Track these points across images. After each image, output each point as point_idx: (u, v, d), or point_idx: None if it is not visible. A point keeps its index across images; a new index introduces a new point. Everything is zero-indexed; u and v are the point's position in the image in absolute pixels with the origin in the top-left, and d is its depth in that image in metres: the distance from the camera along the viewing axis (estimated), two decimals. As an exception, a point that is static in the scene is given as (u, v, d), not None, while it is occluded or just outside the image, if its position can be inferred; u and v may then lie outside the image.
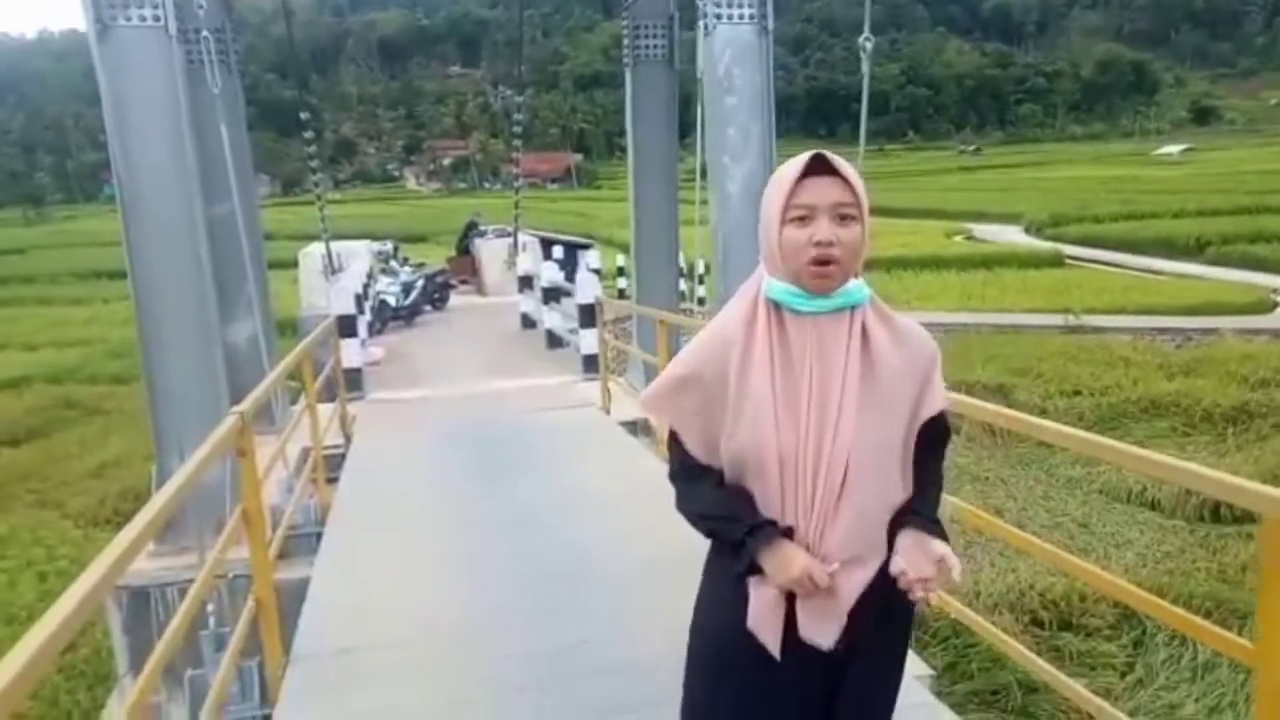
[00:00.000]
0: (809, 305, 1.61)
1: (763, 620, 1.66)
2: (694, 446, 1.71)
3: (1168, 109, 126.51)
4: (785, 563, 1.61)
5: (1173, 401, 12.36)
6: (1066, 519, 9.41)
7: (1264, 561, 1.58)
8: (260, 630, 3.05)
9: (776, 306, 1.64)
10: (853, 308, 1.63)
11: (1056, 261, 26.35)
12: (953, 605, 3.16)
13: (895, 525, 1.67)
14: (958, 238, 34.51)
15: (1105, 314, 18.00)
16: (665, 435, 1.77)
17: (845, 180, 1.60)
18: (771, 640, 1.66)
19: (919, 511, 1.68)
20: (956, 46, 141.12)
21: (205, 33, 5.28)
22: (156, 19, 4.94)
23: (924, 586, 1.62)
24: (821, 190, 1.59)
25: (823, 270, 1.58)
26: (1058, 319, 17.25)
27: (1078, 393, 12.86)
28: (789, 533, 1.63)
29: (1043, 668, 2.55)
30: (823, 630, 1.65)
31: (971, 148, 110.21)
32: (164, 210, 5.13)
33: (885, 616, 1.69)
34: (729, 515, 1.67)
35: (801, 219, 1.60)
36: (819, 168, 1.61)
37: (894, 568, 1.63)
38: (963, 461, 10.78)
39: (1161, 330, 16.89)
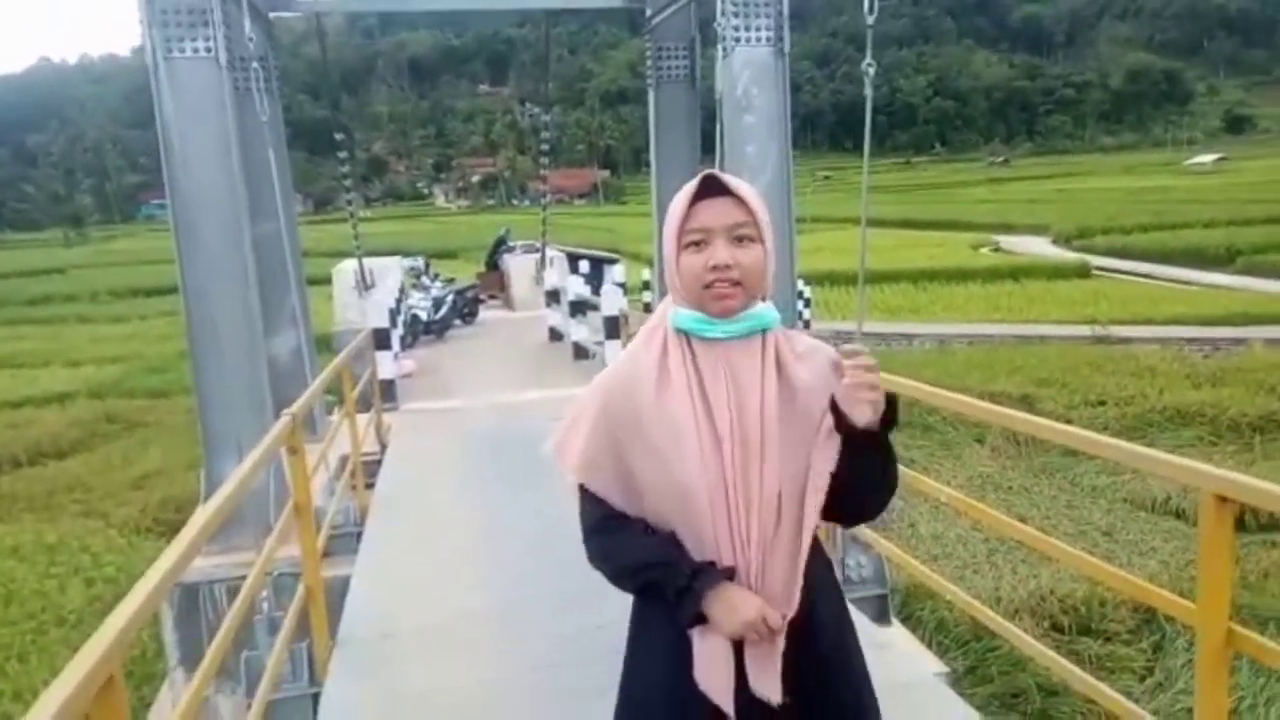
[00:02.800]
0: (716, 330, 1.54)
1: (712, 674, 1.53)
2: (612, 494, 1.59)
3: (1200, 118, 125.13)
4: (735, 607, 1.49)
5: (1199, 411, 12.36)
6: (1090, 527, 9.47)
7: (1201, 530, 1.77)
8: (309, 615, 3.30)
9: (686, 336, 1.56)
10: (763, 331, 1.56)
11: (1084, 272, 26.30)
12: (974, 608, 3.26)
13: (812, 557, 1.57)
14: (984, 249, 34.47)
15: (1132, 324, 17.98)
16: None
17: (741, 200, 1.54)
18: (724, 697, 1.52)
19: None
20: (984, 58, 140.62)
21: (255, 63, 5.61)
22: (209, 50, 5.29)
23: (856, 379, 1.49)
24: (716, 212, 1.53)
25: (722, 291, 1.51)
26: (1084, 330, 17.27)
27: (1102, 402, 12.89)
28: (730, 574, 1.52)
29: (1065, 666, 2.59)
30: (769, 682, 1.52)
31: (1000, 159, 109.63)
32: (214, 229, 5.46)
33: (819, 661, 1.57)
34: (665, 562, 1.53)
35: (697, 244, 1.53)
36: (712, 189, 1.54)
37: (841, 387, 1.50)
38: (986, 471, 10.88)
39: (1189, 340, 16.84)
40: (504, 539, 4.85)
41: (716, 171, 1.57)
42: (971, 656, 6.80)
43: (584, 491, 1.64)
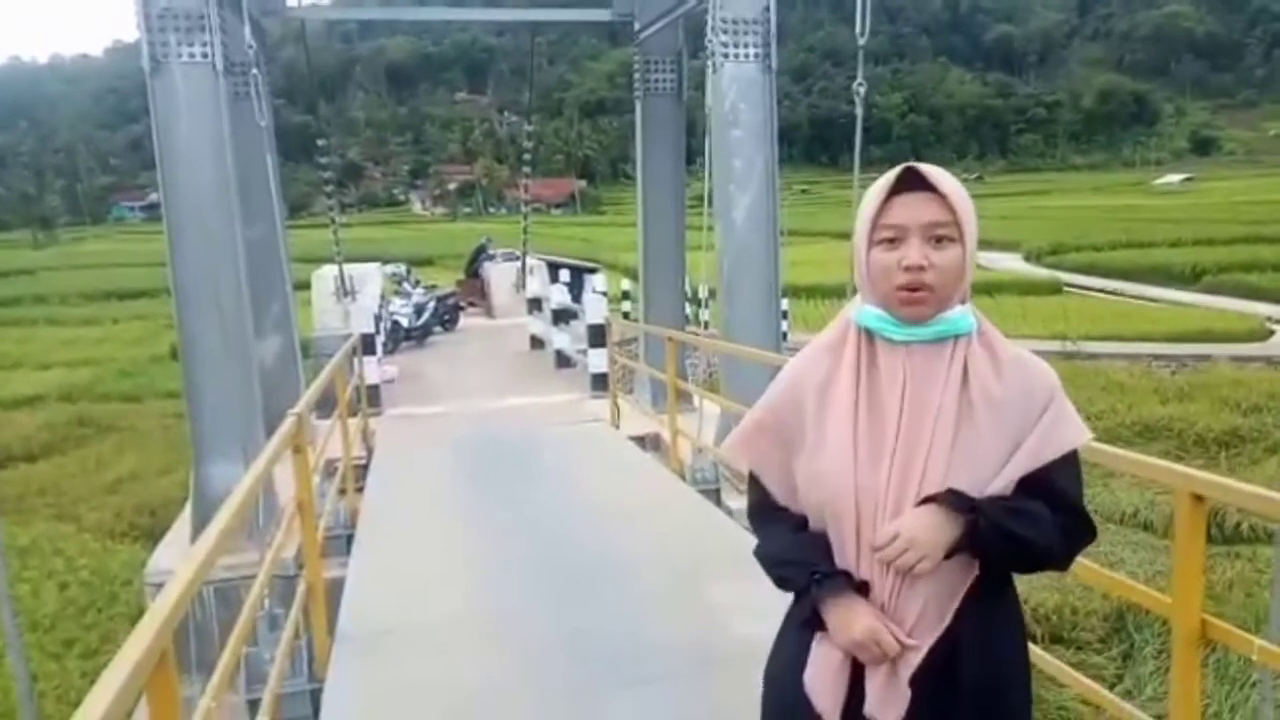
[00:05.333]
0: (902, 334, 1.45)
1: (821, 683, 1.47)
2: (772, 486, 1.55)
3: (1168, 139, 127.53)
4: (850, 621, 1.42)
5: (1166, 426, 12.64)
6: (1059, 538, 9.65)
7: (1177, 526, 1.91)
8: (309, 611, 3.37)
9: (869, 334, 1.48)
10: (955, 338, 1.45)
11: (1055, 289, 26.71)
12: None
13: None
14: (957, 265, 34.85)
15: (1102, 340, 18.30)
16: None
17: (941, 197, 1.43)
18: (828, 705, 1.45)
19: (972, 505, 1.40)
20: (958, 76, 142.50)
21: (255, 70, 5.67)
22: (205, 55, 5.34)
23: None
24: (913, 209, 1.43)
25: (912, 297, 1.42)
26: (1055, 345, 17.57)
27: (1072, 416, 13.13)
28: (864, 589, 1.44)
29: (1052, 663, 2.64)
30: (887, 709, 1.43)
31: (973, 176, 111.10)
32: (208, 233, 5.51)
33: (953, 689, 1.43)
34: (799, 560, 1.49)
35: (891, 240, 1.44)
36: (912, 183, 1.44)
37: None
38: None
39: (1157, 356, 17.16)
40: (494, 540, 4.93)
41: (919, 164, 1.46)
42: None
43: (751, 476, 1.59)
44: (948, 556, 1.40)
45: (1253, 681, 6.29)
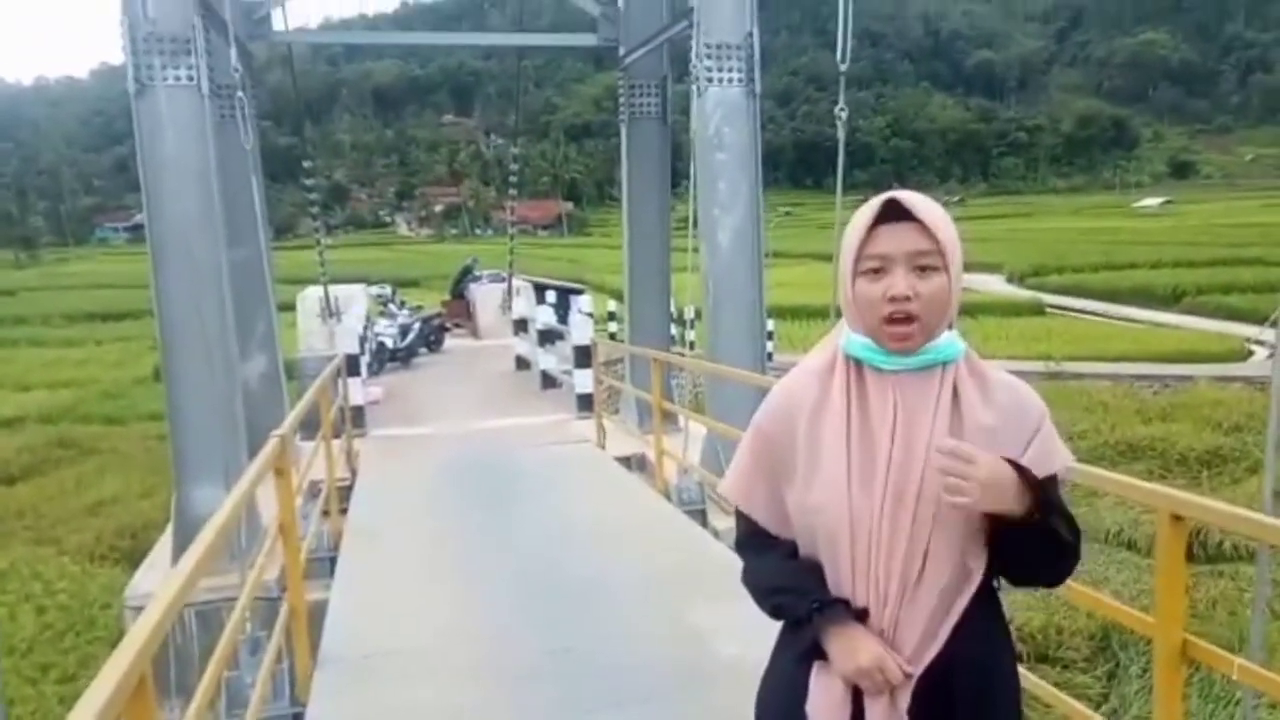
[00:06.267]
0: (890, 363, 1.45)
1: (823, 712, 1.46)
2: (761, 514, 1.53)
3: (1147, 163, 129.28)
4: (853, 650, 1.41)
5: (1149, 445, 12.73)
6: (1044, 558, 9.68)
7: (1158, 546, 1.92)
8: (291, 635, 3.33)
9: (857, 362, 1.47)
10: (943, 364, 1.45)
11: (1037, 310, 26.94)
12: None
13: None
14: (940, 286, 35.11)
15: (1084, 361, 18.44)
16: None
17: (924, 226, 1.42)
18: None
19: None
20: (940, 101, 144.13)
21: (240, 93, 5.67)
22: (190, 78, 5.34)
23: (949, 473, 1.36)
24: (897, 238, 1.42)
25: (900, 331, 1.42)
26: (1039, 365, 17.69)
27: (1055, 436, 13.20)
28: (862, 616, 1.44)
29: (1037, 682, 2.55)
30: None
31: (955, 199, 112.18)
32: (192, 255, 5.49)
33: (948, 711, 1.45)
34: (795, 589, 1.48)
35: (875, 271, 1.43)
36: (895, 213, 1.44)
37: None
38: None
39: (1139, 377, 17.29)
40: (479, 562, 4.91)
41: (900, 194, 1.46)
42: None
43: (738, 508, 1.58)
44: (987, 523, 1.39)
45: (1237, 700, 6.31)
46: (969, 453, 1.35)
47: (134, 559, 8.69)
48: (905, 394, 1.44)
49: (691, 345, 17.92)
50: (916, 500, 1.40)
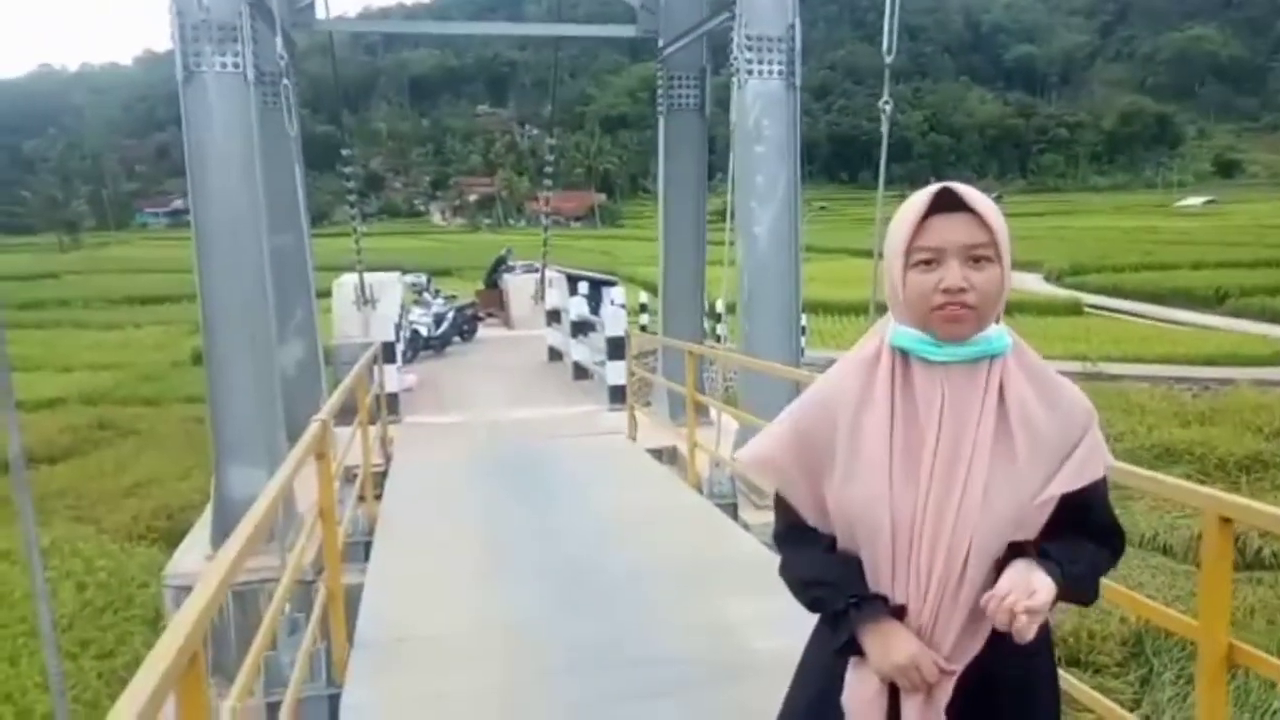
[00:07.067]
0: (940, 354, 1.42)
1: (859, 711, 1.45)
2: (802, 507, 1.51)
3: (1191, 161, 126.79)
4: (890, 647, 1.40)
5: (1187, 449, 12.50)
6: (1078, 562, 9.56)
7: (1205, 549, 1.89)
8: (328, 617, 3.38)
9: (903, 354, 1.45)
10: (991, 358, 1.43)
11: (1075, 309, 26.55)
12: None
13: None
14: (976, 284, 34.78)
15: (1123, 362, 18.16)
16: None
17: (978, 217, 1.41)
18: None
19: (1046, 553, 1.40)
20: (979, 96, 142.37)
21: (286, 81, 5.74)
22: (236, 66, 5.42)
23: (1011, 614, 1.33)
24: (950, 230, 1.40)
25: (954, 313, 1.39)
26: (1076, 366, 17.44)
27: (1092, 438, 13.02)
28: (900, 612, 1.42)
29: (1075, 684, 2.54)
30: None
31: (993, 195, 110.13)
32: (236, 241, 5.57)
33: (988, 713, 1.44)
34: (833, 583, 1.46)
35: (928, 262, 1.41)
36: (947, 204, 1.41)
37: (986, 596, 1.37)
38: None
39: (1179, 379, 17.01)
40: (510, 551, 4.95)
41: (953, 184, 1.44)
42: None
43: (778, 499, 1.56)
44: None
45: (1274, 709, 6.21)
46: (1024, 586, 1.35)
47: (171, 539, 8.85)
48: (953, 386, 1.42)
49: (720, 338, 17.91)
50: (962, 495, 1.38)
